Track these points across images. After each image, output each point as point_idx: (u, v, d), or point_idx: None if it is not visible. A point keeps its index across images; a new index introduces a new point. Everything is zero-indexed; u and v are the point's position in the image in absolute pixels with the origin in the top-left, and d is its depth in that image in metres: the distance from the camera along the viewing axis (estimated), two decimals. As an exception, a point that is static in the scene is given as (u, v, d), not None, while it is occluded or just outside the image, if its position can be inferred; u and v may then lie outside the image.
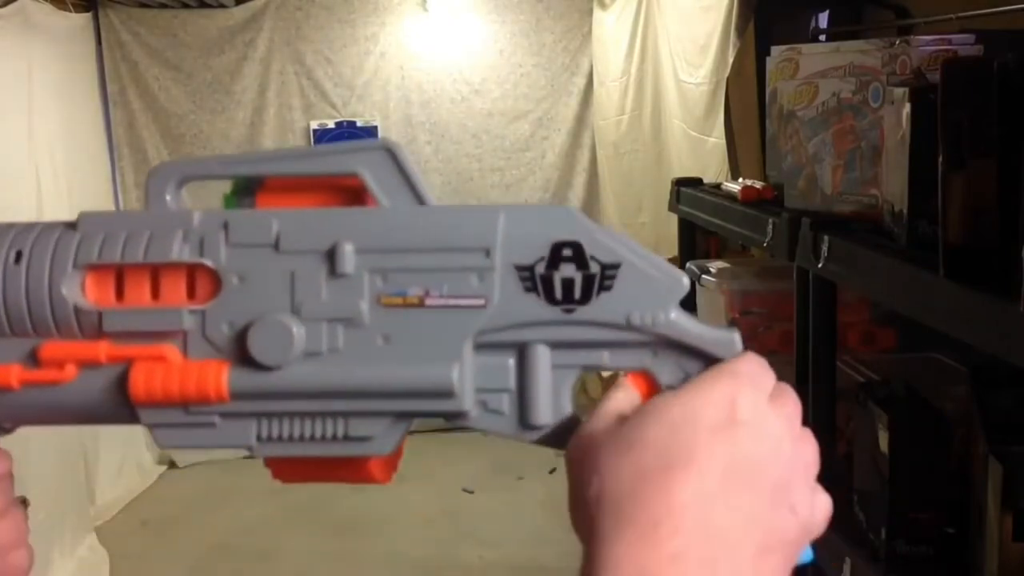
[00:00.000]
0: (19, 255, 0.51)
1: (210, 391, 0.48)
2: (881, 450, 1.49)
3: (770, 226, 1.86)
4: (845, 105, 1.73)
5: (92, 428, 4.59)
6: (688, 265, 2.34)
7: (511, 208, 0.48)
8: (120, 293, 0.50)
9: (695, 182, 2.47)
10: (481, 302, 0.47)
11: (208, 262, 0.49)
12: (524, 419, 0.51)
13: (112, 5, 5.17)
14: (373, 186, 0.49)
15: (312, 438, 0.49)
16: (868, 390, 1.60)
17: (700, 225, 2.38)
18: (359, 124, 5.54)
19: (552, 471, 5.07)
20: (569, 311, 0.48)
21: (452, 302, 0.48)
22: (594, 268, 0.47)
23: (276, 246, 0.48)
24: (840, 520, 1.70)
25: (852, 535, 1.61)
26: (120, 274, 0.50)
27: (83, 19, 4.98)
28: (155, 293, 0.49)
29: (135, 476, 4.88)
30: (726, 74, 3.29)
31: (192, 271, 0.49)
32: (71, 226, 0.52)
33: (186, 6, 5.21)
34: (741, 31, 3.13)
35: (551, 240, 0.47)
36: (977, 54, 1.64)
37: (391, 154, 0.49)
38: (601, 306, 0.48)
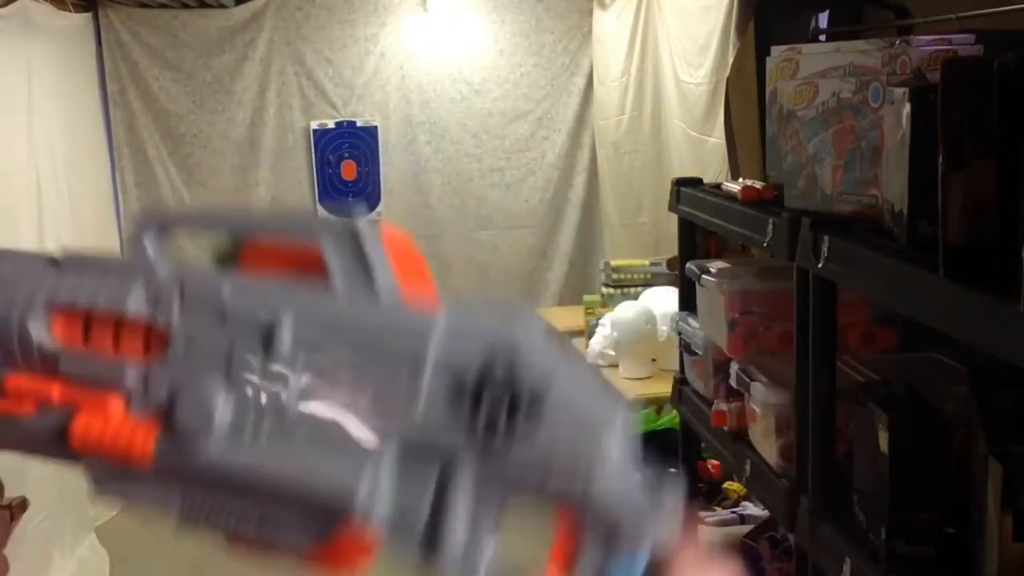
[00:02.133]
0: None
1: (136, 454, 0.47)
2: (881, 450, 1.49)
3: (770, 226, 1.86)
4: (845, 105, 1.73)
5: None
6: (688, 265, 2.33)
7: (454, 317, 0.46)
8: (86, 336, 0.49)
9: (695, 182, 2.46)
10: (403, 411, 0.45)
11: (159, 320, 0.48)
12: (431, 542, 0.46)
13: (112, 5, 5.17)
14: (331, 265, 0.47)
15: (236, 517, 0.47)
16: (868, 390, 1.60)
17: (700, 225, 2.38)
18: (359, 124, 5.54)
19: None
20: (490, 441, 0.45)
21: (376, 405, 0.46)
22: (522, 402, 0.44)
23: (222, 313, 0.47)
24: (840, 520, 1.71)
25: (852, 535, 1.61)
26: (88, 317, 0.49)
27: (83, 19, 4.98)
28: (116, 342, 0.48)
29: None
30: (726, 74, 3.29)
31: (149, 327, 0.48)
32: (54, 262, 0.51)
33: (186, 6, 5.21)
34: (741, 31, 3.13)
35: (485, 361, 0.45)
36: (977, 54, 1.64)
37: (355, 235, 0.47)
38: (521, 447, 0.45)
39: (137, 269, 0.49)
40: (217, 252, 0.50)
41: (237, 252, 0.50)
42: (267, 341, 0.46)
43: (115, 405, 0.48)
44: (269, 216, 0.49)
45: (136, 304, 0.48)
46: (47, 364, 0.49)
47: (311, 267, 0.48)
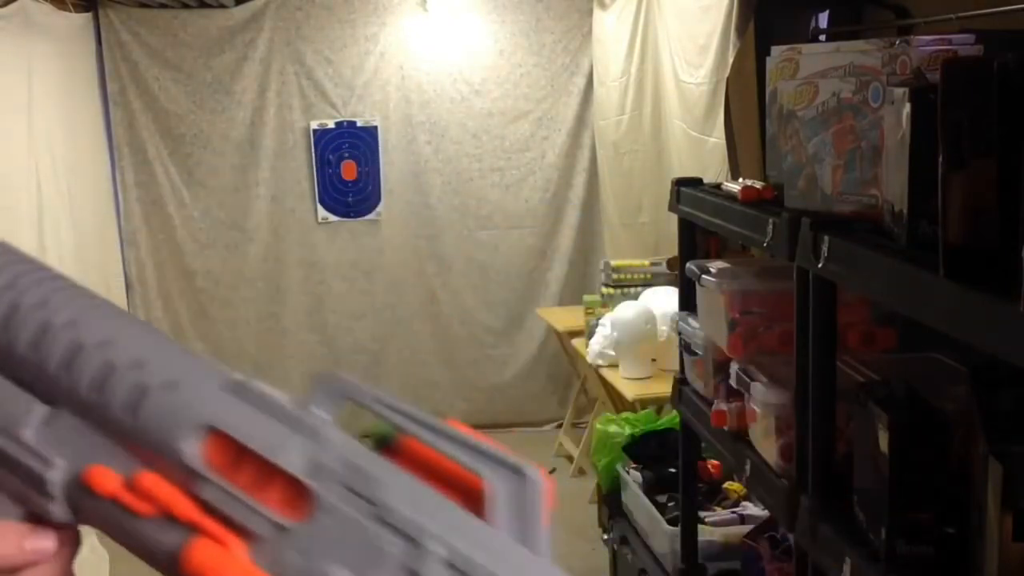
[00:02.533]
0: (172, 384, 0.49)
1: None
2: (881, 450, 1.49)
3: (770, 226, 1.86)
4: (845, 105, 1.73)
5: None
6: (688, 265, 2.33)
7: None
8: (233, 468, 0.48)
9: (695, 182, 2.46)
10: None
11: (312, 489, 0.46)
12: None
13: (112, 5, 5.17)
14: (492, 503, 0.45)
15: None
16: (868, 390, 1.60)
17: (700, 225, 2.38)
18: (359, 124, 5.54)
19: (552, 471, 5.07)
20: None
21: None
22: None
23: (377, 512, 0.45)
24: (840, 520, 1.71)
25: (852, 535, 1.61)
26: (240, 450, 0.48)
27: (83, 19, 4.98)
28: (259, 483, 0.47)
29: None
30: (726, 74, 3.29)
31: (298, 489, 0.47)
32: (234, 381, 0.49)
33: (186, 6, 5.21)
34: (741, 31, 3.13)
35: None
36: (977, 54, 1.64)
37: (528, 483, 0.46)
38: None
39: (306, 427, 0.48)
40: (377, 432, 0.49)
41: (396, 439, 0.49)
42: (410, 554, 0.45)
43: (239, 548, 0.46)
44: (443, 428, 0.47)
45: (296, 463, 0.47)
46: (185, 478, 0.48)
47: (463, 484, 0.46)
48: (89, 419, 0.50)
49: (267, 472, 0.47)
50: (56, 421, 0.51)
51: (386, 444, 0.49)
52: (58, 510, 0.50)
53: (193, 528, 0.47)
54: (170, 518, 0.48)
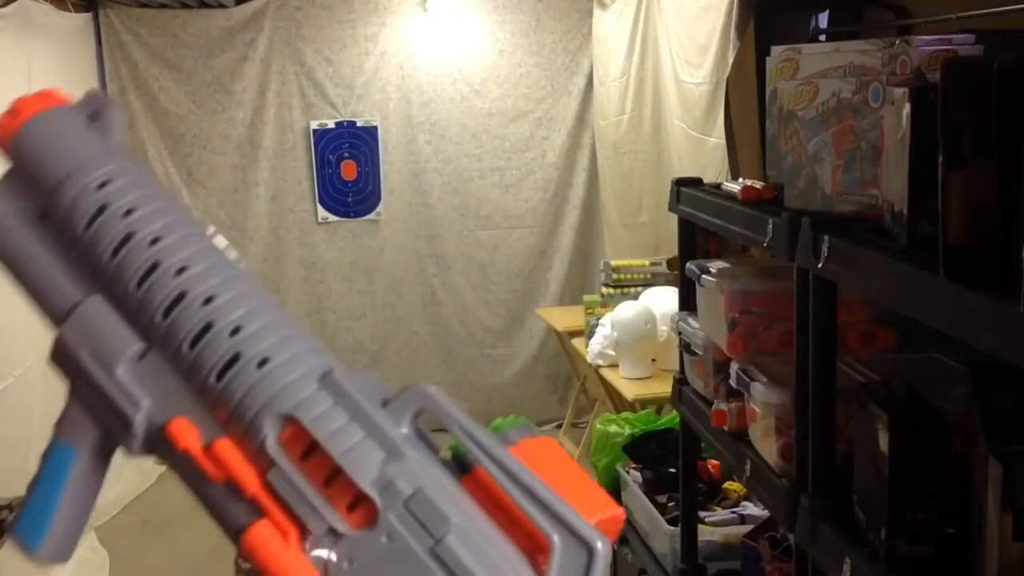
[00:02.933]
0: (265, 361, 0.49)
1: None
2: (881, 450, 1.49)
3: (770, 226, 1.86)
4: (845, 105, 1.73)
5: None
6: (688, 265, 2.33)
7: None
8: (304, 459, 0.47)
9: (695, 182, 2.46)
10: None
11: (379, 504, 0.46)
12: None
13: (112, 5, 5.17)
14: (554, 566, 0.44)
15: None
16: (868, 390, 1.60)
17: (700, 225, 2.38)
18: (359, 124, 5.54)
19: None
20: None
21: None
22: None
23: (435, 547, 0.45)
24: (840, 520, 1.71)
25: (852, 535, 1.61)
26: (315, 446, 0.47)
27: (83, 19, 4.98)
28: (328, 481, 0.47)
29: (135, 476, 4.88)
30: (726, 74, 3.29)
31: (364, 494, 0.46)
32: (325, 378, 0.49)
33: (186, 6, 5.21)
34: (741, 31, 3.13)
35: None
36: (977, 54, 1.64)
37: (596, 558, 0.45)
38: None
39: (387, 440, 0.47)
40: (461, 452, 0.48)
41: (471, 466, 0.48)
42: None
43: (295, 539, 0.46)
44: (517, 470, 0.46)
45: (367, 475, 0.46)
46: (257, 457, 0.48)
47: (531, 529, 0.45)
48: (179, 369, 0.50)
49: (337, 473, 0.47)
50: (149, 360, 0.51)
51: (466, 467, 0.47)
52: (136, 446, 0.51)
53: (256, 507, 0.47)
54: (237, 490, 0.48)
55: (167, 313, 0.50)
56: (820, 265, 1.65)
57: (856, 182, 1.71)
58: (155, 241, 0.51)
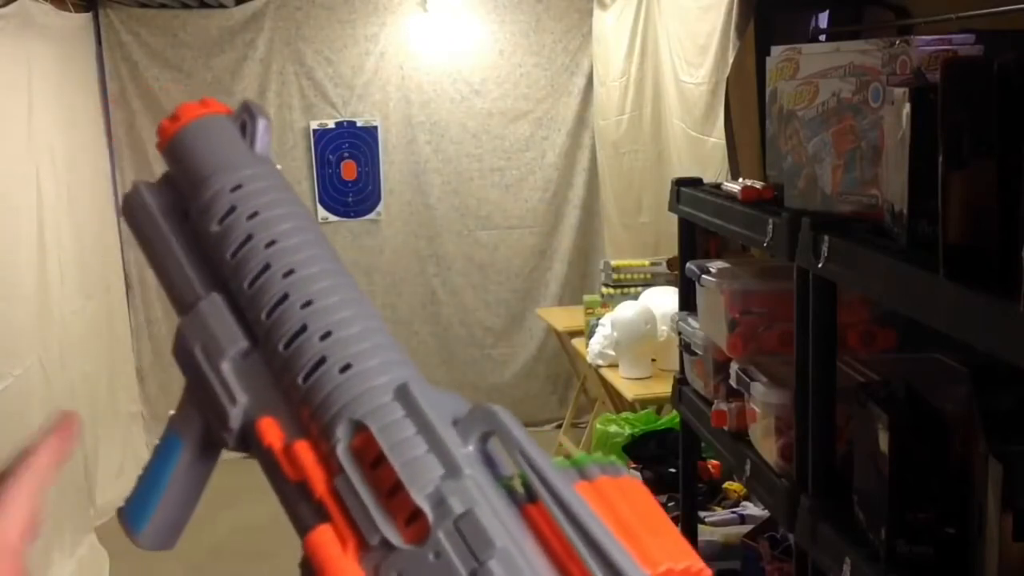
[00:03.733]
0: (347, 367, 0.50)
1: None
2: (881, 450, 1.49)
3: (770, 226, 1.86)
4: (845, 105, 1.73)
5: (92, 428, 4.59)
6: (688, 265, 2.34)
7: None
8: (371, 468, 0.48)
9: (695, 182, 2.46)
10: None
11: (431, 520, 0.46)
12: None
13: (112, 5, 5.17)
14: None
15: None
16: (868, 390, 1.60)
17: (700, 225, 2.38)
18: (359, 124, 5.54)
19: (552, 471, 5.06)
20: None
21: None
22: None
23: (477, 570, 0.44)
24: (840, 520, 1.71)
25: (852, 535, 1.61)
26: (383, 456, 0.48)
27: (83, 19, 4.98)
28: (392, 492, 0.47)
29: (135, 476, 4.87)
30: (726, 74, 3.29)
31: (419, 509, 0.46)
32: (400, 390, 0.50)
33: (186, 6, 5.21)
34: (741, 31, 3.13)
35: None
36: (977, 54, 1.64)
37: None
38: None
39: (450, 459, 0.47)
40: (526, 480, 0.48)
41: (530, 497, 0.47)
42: None
43: (353, 547, 0.47)
44: (578, 509, 0.45)
45: (421, 489, 0.46)
46: (329, 461, 0.49)
47: (580, 569, 0.44)
48: (274, 368, 0.52)
49: (400, 485, 0.47)
50: (252, 359, 0.53)
51: (531, 496, 0.47)
52: (231, 440, 0.53)
53: (323, 510, 0.48)
54: (307, 490, 0.49)
55: (270, 313, 0.52)
56: (820, 265, 1.65)
57: (856, 182, 1.71)
58: (270, 244, 0.53)
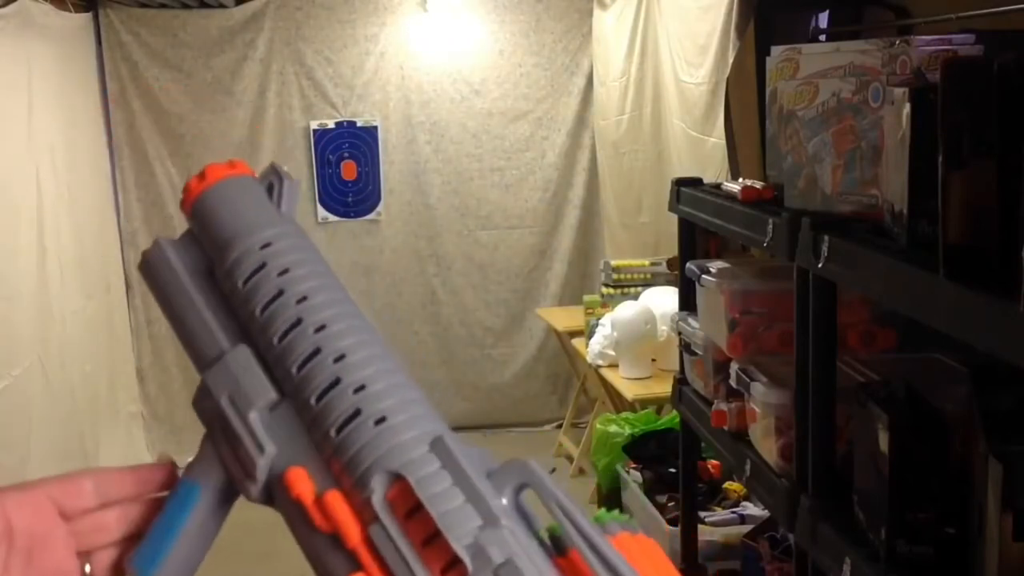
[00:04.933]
0: (382, 419, 0.51)
1: None
2: (881, 450, 1.49)
3: (770, 226, 1.86)
4: (845, 105, 1.73)
5: (92, 428, 4.59)
6: (688, 265, 2.34)
7: None
8: (407, 519, 0.49)
9: (695, 182, 2.47)
10: None
11: (470, 568, 0.47)
12: None
13: (112, 5, 5.17)
14: None
15: None
16: (868, 390, 1.60)
17: (700, 225, 2.38)
18: (359, 124, 5.54)
19: (552, 471, 5.07)
20: None
21: None
22: None
23: None
24: (840, 520, 1.71)
25: (852, 535, 1.61)
26: (421, 506, 0.49)
27: (83, 19, 4.98)
28: (426, 542, 0.48)
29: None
30: (726, 74, 3.29)
31: (457, 560, 0.47)
32: (435, 443, 0.51)
33: (186, 6, 5.21)
34: (741, 31, 3.13)
35: None
36: (977, 54, 1.64)
37: None
38: None
39: (486, 508, 0.48)
40: (559, 532, 0.49)
41: (567, 547, 0.48)
42: None
43: None
44: (612, 558, 0.47)
45: (460, 538, 0.47)
46: (363, 511, 0.50)
47: None
48: (304, 420, 0.53)
49: (435, 536, 0.48)
50: (280, 411, 0.54)
51: (562, 549, 0.48)
52: (256, 492, 0.53)
53: (355, 560, 0.49)
54: (339, 541, 0.49)
55: (301, 367, 0.53)
56: (820, 265, 1.65)
57: (856, 182, 1.71)
58: (301, 300, 0.55)
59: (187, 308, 0.58)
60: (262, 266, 0.56)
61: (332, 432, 0.51)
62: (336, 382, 0.52)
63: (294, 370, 0.53)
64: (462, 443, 0.51)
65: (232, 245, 0.57)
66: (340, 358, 0.53)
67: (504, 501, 0.49)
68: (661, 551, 0.50)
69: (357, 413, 0.51)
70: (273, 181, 0.61)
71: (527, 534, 0.48)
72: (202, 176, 0.60)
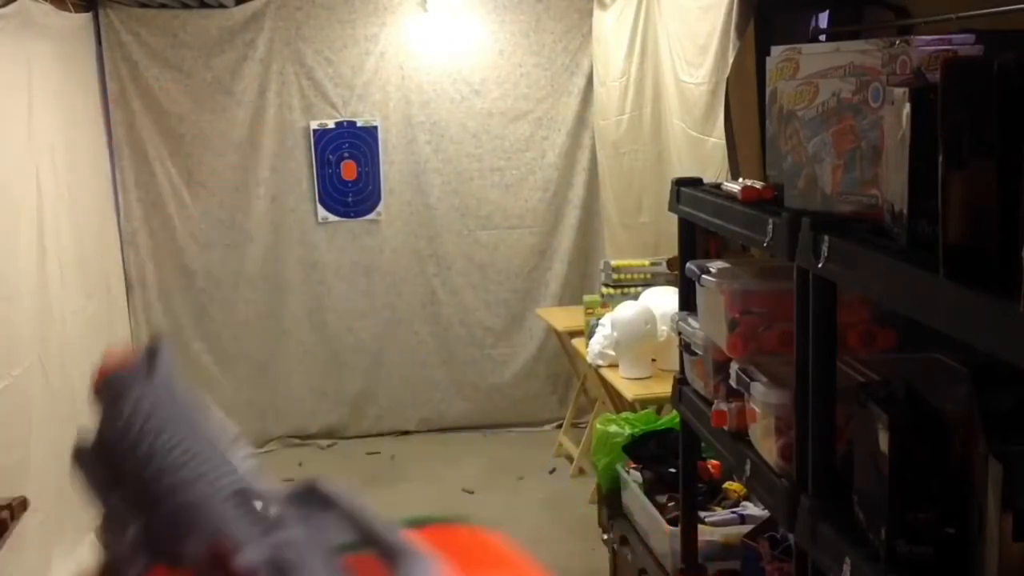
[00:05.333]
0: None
1: None
2: (881, 450, 1.49)
3: (770, 226, 1.86)
4: (845, 105, 1.73)
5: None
6: (688, 265, 2.34)
7: None
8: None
9: (695, 182, 2.46)
10: None
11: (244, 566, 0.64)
12: None
13: (112, 5, 5.17)
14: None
15: None
16: (868, 390, 1.60)
17: (700, 225, 2.38)
18: (359, 124, 5.54)
19: (552, 471, 5.07)
20: None
21: None
22: None
23: None
24: (840, 520, 1.71)
25: (852, 535, 1.61)
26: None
27: (83, 19, 4.98)
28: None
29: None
30: (726, 74, 3.29)
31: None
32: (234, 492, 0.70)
33: (186, 6, 5.21)
34: (741, 31, 3.13)
35: None
36: (977, 54, 1.64)
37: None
38: None
39: (272, 529, 0.67)
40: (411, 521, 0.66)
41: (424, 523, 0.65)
42: None
43: None
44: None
45: (250, 558, 0.63)
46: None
47: None
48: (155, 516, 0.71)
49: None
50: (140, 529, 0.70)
51: (420, 523, 0.66)
52: None
53: None
54: None
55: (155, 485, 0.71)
56: (820, 265, 1.65)
57: (856, 182, 1.71)
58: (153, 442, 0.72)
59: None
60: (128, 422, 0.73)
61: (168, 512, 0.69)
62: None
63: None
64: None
65: (114, 409, 0.75)
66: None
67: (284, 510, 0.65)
68: (491, 539, 0.61)
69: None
70: (150, 351, 0.75)
71: (307, 533, 0.63)
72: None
